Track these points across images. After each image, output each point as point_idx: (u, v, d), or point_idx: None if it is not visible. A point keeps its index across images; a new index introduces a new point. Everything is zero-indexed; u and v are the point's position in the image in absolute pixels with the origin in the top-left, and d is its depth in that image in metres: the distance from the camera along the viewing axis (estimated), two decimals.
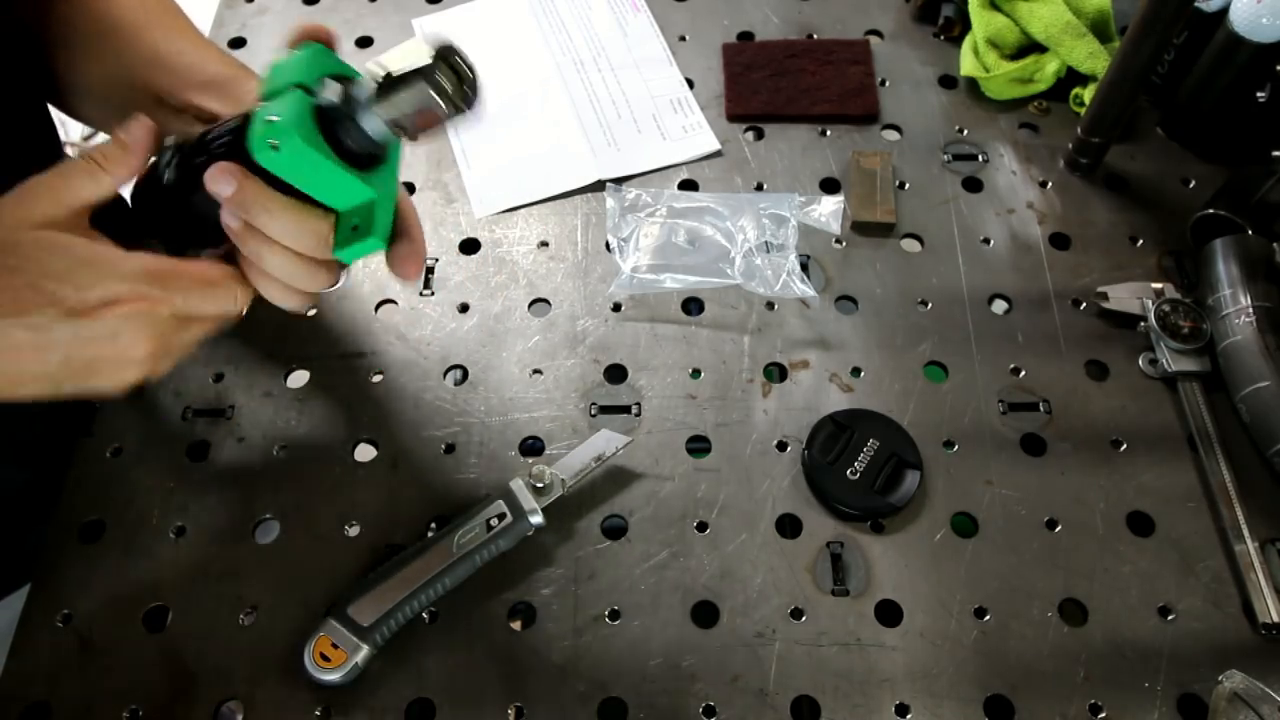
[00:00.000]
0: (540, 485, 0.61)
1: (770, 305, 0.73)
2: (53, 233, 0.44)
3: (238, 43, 0.89)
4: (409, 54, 0.46)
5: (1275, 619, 0.59)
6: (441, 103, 0.45)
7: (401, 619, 0.58)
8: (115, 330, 0.44)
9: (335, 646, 0.56)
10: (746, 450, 0.66)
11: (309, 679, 0.56)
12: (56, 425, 0.68)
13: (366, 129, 0.46)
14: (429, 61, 0.45)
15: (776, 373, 0.70)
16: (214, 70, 0.56)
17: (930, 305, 0.73)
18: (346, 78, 0.48)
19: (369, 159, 0.48)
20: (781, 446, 0.67)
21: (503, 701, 0.57)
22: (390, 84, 0.45)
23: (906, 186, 0.79)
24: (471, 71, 0.46)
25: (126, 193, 0.51)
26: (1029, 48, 0.84)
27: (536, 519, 0.60)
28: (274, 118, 0.44)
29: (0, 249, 0.43)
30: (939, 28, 0.88)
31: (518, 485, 0.61)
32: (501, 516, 0.60)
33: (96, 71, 0.60)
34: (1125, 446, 0.67)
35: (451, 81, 0.46)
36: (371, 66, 0.46)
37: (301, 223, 0.46)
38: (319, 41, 0.49)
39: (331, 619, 0.57)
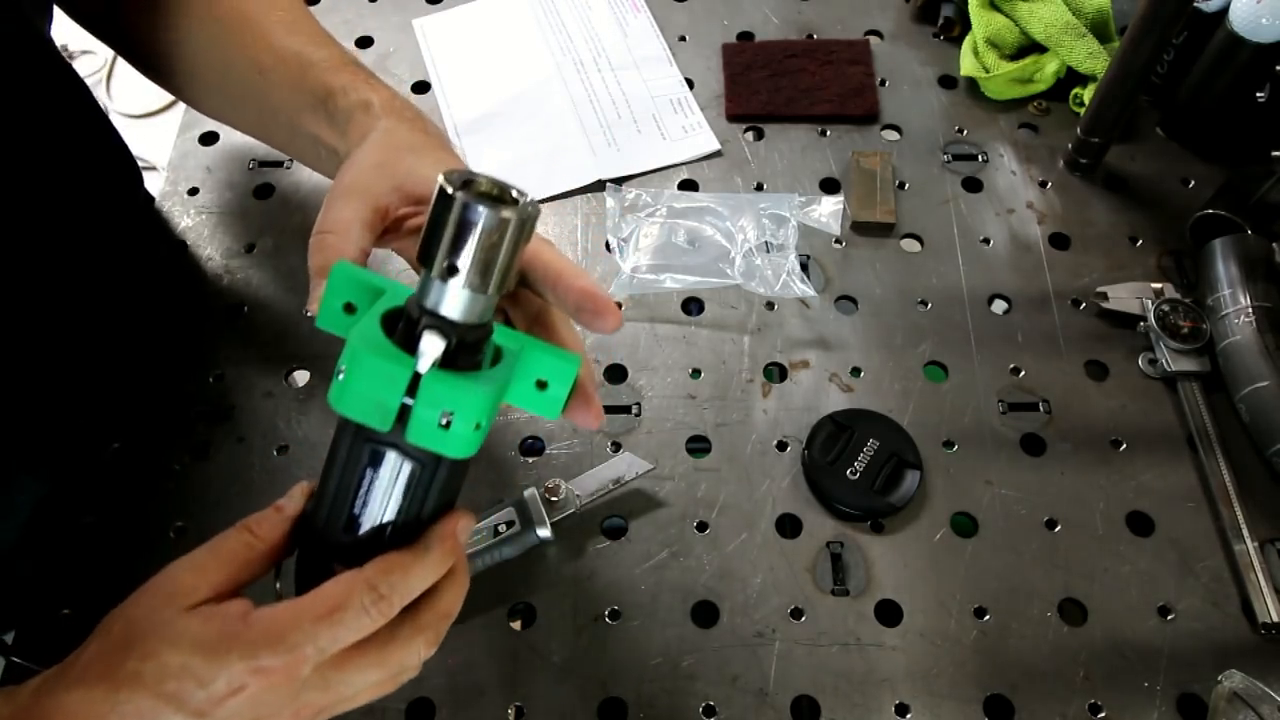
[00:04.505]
0: (555, 499, 0.61)
1: (770, 305, 0.73)
2: (177, 617, 0.39)
3: None
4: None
5: (1275, 619, 0.59)
6: (496, 209, 0.36)
7: None
8: (253, 712, 0.38)
9: None
10: (746, 450, 0.66)
11: None
12: (80, 436, 0.67)
13: (461, 319, 0.37)
14: (456, 198, 0.36)
15: (776, 373, 0.70)
16: (314, 86, 0.52)
17: (930, 305, 0.73)
18: (396, 308, 0.39)
19: (476, 347, 0.39)
20: (781, 446, 0.67)
21: (503, 701, 0.57)
22: (429, 249, 0.37)
23: (906, 186, 0.79)
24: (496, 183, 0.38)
25: None
26: (1029, 48, 0.84)
27: (545, 532, 0.60)
28: (448, 421, 0.36)
29: (126, 647, 0.39)
30: (939, 28, 0.88)
31: (531, 495, 0.61)
32: (510, 524, 0.60)
33: (219, 91, 0.59)
34: (1125, 446, 0.67)
35: (483, 188, 0.37)
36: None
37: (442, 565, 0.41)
38: (596, 330, 0.44)
39: None
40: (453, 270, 0.37)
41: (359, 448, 0.39)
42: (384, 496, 0.40)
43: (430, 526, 0.41)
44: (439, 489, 0.40)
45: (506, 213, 0.36)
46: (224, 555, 0.42)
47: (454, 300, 0.37)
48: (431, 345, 0.36)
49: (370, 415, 0.36)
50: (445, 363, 0.37)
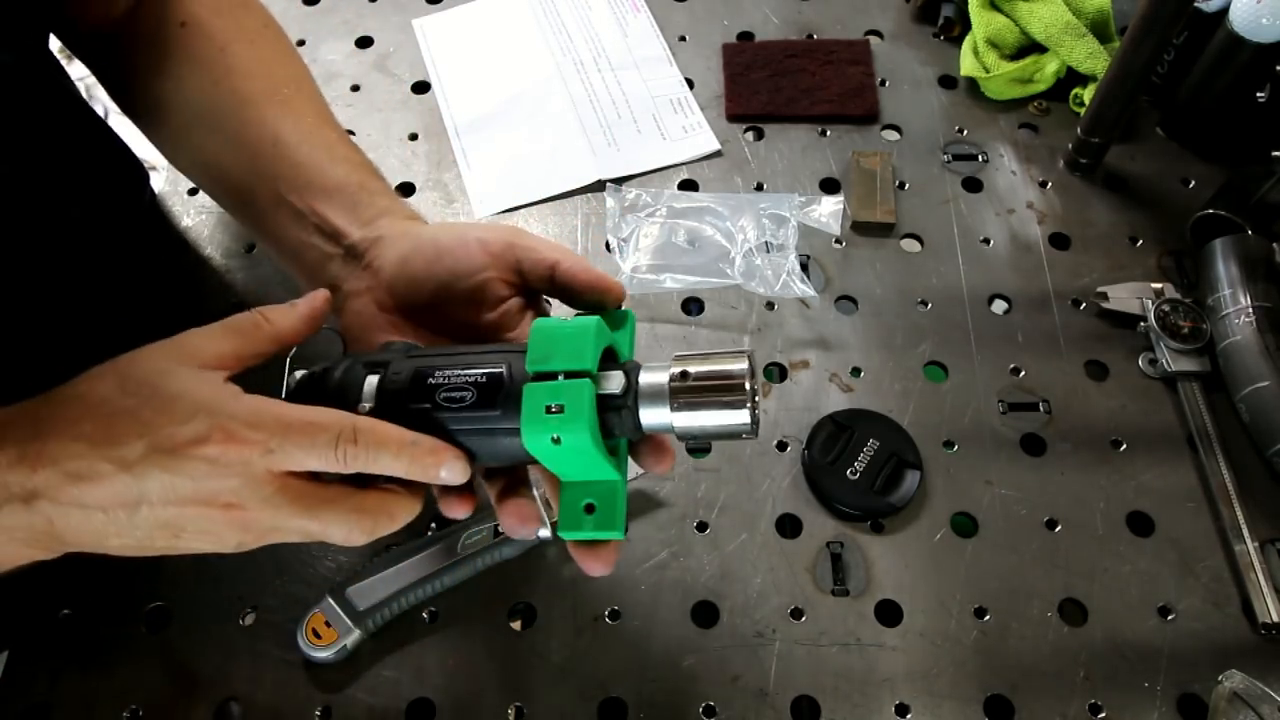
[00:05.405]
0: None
1: (770, 305, 0.73)
2: (180, 369, 0.43)
3: None
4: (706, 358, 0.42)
5: (1275, 619, 0.59)
6: (753, 432, 0.42)
7: (397, 608, 0.58)
8: (201, 474, 0.41)
9: (328, 625, 0.57)
10: (746, 450, 0.66)
11: (302, 658, 0.57)
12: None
13: (643, 424, 0.43)
14: (742, 379, 0.41)
15: (776, 373, 0.70)
16: (340, 176, 0.54)
17: (930, 305, 0.73)
18: (617, 360, 0.45)
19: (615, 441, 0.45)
20: (781, 446, 0.67)
21: (503, 701, 0.57)
22: (691, 389, 0.41)
23: (906, 186, 0.79)
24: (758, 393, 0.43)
25: None
26: (1029, 48, 0.84)
27: (544, 532, 0.60)
28: (558, 409, 0.40)
29: (125, 382, 0.42)
30: (939, 28, 0.88)
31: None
32: None
33: (211, 149, 0.57)
34: (1125, 446, 0.67)
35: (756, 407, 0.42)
36: (672, 368, 0.42)
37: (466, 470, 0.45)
38: (609, 304, 0.48)
39: (330, 598, 0.58)
40: (683, 409, 0.41)
41: (501, 370, 0.43)
42: (455, 397, 0.43)
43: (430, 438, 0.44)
44: (476, 439, 0.44)
45: (751, 432, 0.42)
46: (234, 327, 0.45)
47: (655, 419, 0.42)
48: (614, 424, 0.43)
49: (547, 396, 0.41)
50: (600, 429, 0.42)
